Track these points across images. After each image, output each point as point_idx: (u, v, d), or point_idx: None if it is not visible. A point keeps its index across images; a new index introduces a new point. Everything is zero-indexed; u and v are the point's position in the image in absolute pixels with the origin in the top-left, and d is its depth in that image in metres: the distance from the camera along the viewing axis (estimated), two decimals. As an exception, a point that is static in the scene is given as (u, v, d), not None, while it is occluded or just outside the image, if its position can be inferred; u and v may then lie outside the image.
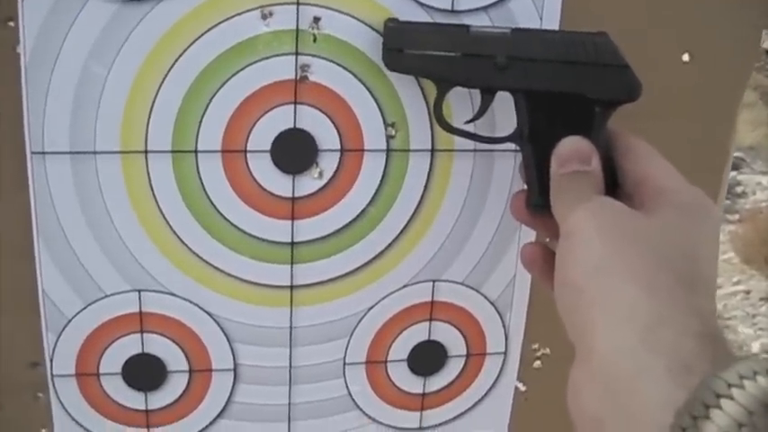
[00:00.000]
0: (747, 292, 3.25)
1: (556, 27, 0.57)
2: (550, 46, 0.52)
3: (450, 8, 0.55)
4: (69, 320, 0.56)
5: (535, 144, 0.52)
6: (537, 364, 0.65)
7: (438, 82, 0.54)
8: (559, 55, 0.52)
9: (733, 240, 3.41)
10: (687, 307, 0.41)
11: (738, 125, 0.67)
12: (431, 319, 0.62)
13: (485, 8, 0.55)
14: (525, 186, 0.54)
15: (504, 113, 0.56)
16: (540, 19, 0.57)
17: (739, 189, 3.93)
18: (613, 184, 0.50)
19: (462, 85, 0.54)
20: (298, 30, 0.53)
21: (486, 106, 0.54)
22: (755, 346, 2.94)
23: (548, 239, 0.54)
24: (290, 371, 0.60)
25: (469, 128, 0.56)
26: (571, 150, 0.50)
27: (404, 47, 0.52)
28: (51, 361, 0.57)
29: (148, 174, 0.54)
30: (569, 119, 0.51)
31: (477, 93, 0.54)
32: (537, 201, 0.52)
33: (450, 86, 0.54)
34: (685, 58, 0.61)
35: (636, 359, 0.40)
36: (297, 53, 0.53)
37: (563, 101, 0.52)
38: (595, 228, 0.45)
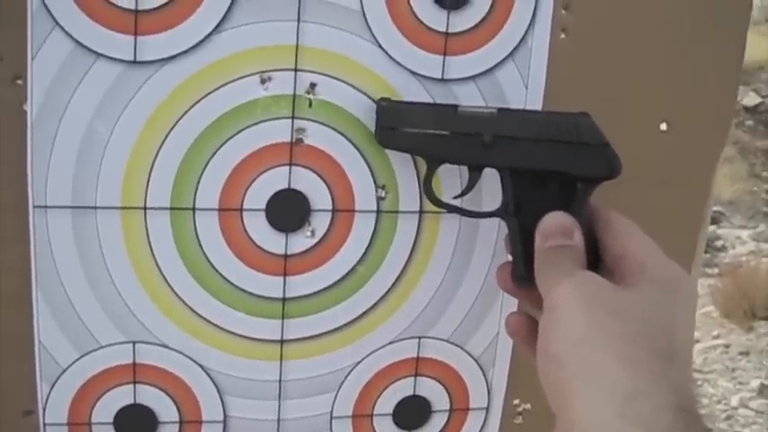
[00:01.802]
0: (727, 346, 3.27)
1: (540, 96, 0.60)
2: (535, 125, 0.54)
3: (440, 77, 0.58)
4: (64, 370, 0.57)
5: (520, 219, 0.54)
6: (518, 419, 0.67)
7: (428, 159, 0.56)
8: (543, 134, 0.54)
9: (713, 294, 3.44)
10: (665, 380, 0.43)
11: (718, 180, 0.69)
12: (416, 375, 0.64)
13: (473, 78, 0.58)
14: (510, 257, 0.56)
15: (491, 189, 0.58)
16: (526, 88, 0.59)
17: (719, 243, 3.98)
18: (595, 258, 0.52)
19: (451, 162, 0.56)
20: (295, 95, 0.56)
21: (473, 182, 0.56)
22: (734, 400, 2.95)
23: (532, 308, 0.56)
24: (278, 423, 0.62)
25: (458, 202, 0.58)
26: (554, 225, 0.52)
27: (395, 125, 0.55)
28: (44, 410, 0.58)
29: (147, 229, 0.56)
30: (552, 195, 0.54)
31: (465, 169, 0.57)
32: (522, 273, 0.54)
33: (439, 163, 0.56)
34: (663, 127, 0.64)
35: None
36: (293, 117, 0.56)
37: (547, 178, 0.54)
38: (578, 302, 0.46)
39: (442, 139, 0.55)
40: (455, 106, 0.55)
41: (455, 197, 0.58)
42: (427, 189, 0.56)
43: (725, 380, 3.07)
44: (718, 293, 3.46)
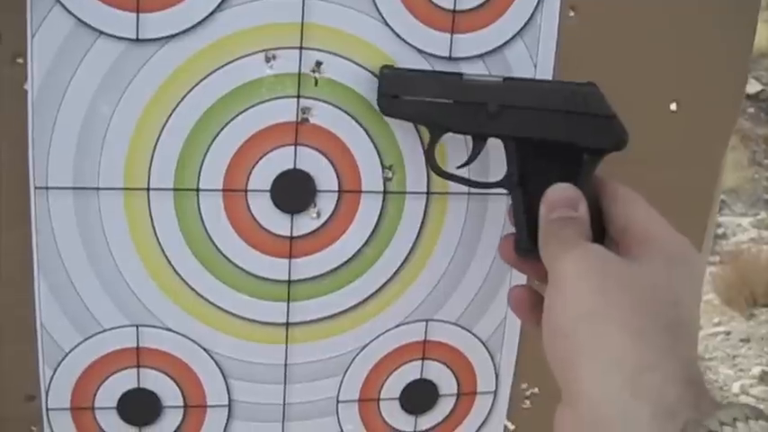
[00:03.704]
0: (728, 333, 3.28)
1: (549, 75, 0.59)
2: (541, 95, 0.53)
3: (447, 55, 0.57)
4: (67, 354, 0.56)
5: (524, 190, 0.54)
6: (526, 403, 0.66)
7: (431, 128, 0.55)
8: (549, 104, 0.53)
9: (714, 281, 3.44)
10: (672, 353, 0.42)
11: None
12: (423, 359, 0.63)
13: (481, 56, 0.57)
14: (514, 230, 0.55)
15: (496, 159, 0.57)
16: (535, 67, 0.59)
17: (720, 231, 3.97)
18: (600, 231, 0.51)
19: (455, 131, 0.55)
20: (300, 73, 0.55)
21: (477, 152, 0.55)
22: (735, 387, 2.96)
23: (536, 282, 0.56)
24: (283, 408, 0.61)
25: (463, 173, 0.57)
26: (560, 196, 0.51)
27: (399, 93, 0.54)
28: (47, 394, 0.57)
29: (150, 211, 0.55)
30: (558, 166, 0.53)
31: (470, 139, 0.56)
32: (525, 245, 0.53)
33: (442, 132, 0.55)
34: (673, 107, 0.63)
35: (622, 405, 0.41)
36: (299, 96, 0.55)
37: (552, 148, 0.53)
38: (584, 275, 0.46)
39: (446, 108, 0.54)
40: (460, 74, 0.54)
41: (458, 167, 0.57)
42: (430, 158, 0.56)
43: (726, 367, 3.08)
44: (719, 281, 3.46)
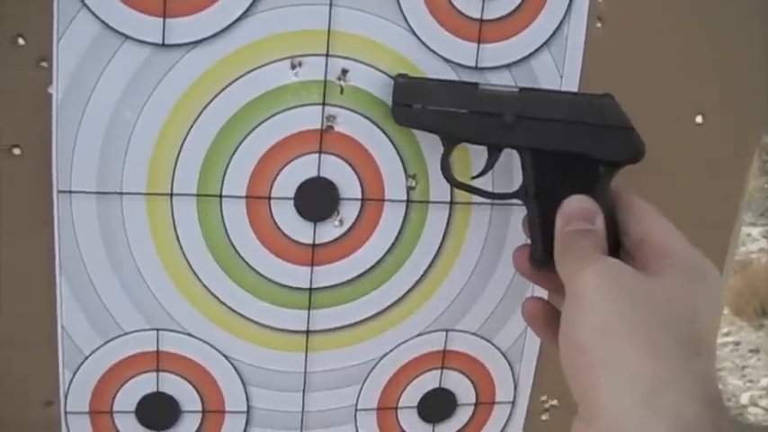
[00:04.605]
0: (737, 344, 3.26)
1: (575, 86, 0.59)
2: (557, 106, 0.53)
3: (474, 65, 0.56)
4: (87, 357, 0.56)
5: (540, 201, 0.53)
6: (545, 416, 0.66)
7: (445, 138, 0.55)
8: (566, 115, 0.53)
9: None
10: (690, 371, 0.42)
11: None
12: (442, 368, 0.63)
13: (507, 66, 0.57)
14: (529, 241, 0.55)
15: (520, 169, 0.57)
16: (561, 77, 0.58)
17: (730, 240, 3.95)
18: (615, 243, 0.50)
19: (469, 141, 0.54)
20: (326, 81, 0.54)
21: (492, 163, 0.55)
22: (744, 398, 2.94)
23: (550, 293, 0.55)
24: (302, 415, 0.61)
25: (486, 181, 0.56)
26: (576, 209, 0.50)
27: (413, 102, 0.54)
28: (66, 397, 0.57)
29: (173, 216, 0.55)
30: (574, 178, 0.52)
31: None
32: (540, 256, 0.53)
33: (457, 142, 0.55)
34: (698, 119, 0.63)
35: (639, 422, 0.40)
36: (324, 104, 0.55)
37: (568, 160, 0.53)
38: (602, 290, 0.45)
39: (461, 118, 0.53)
40: (476, 84, 0.54)
41: (473, 177, 0.56)
42: (444, 168, 0.55)
43: (735, 377, 3.06)
44: (728, 290, 3.45)
